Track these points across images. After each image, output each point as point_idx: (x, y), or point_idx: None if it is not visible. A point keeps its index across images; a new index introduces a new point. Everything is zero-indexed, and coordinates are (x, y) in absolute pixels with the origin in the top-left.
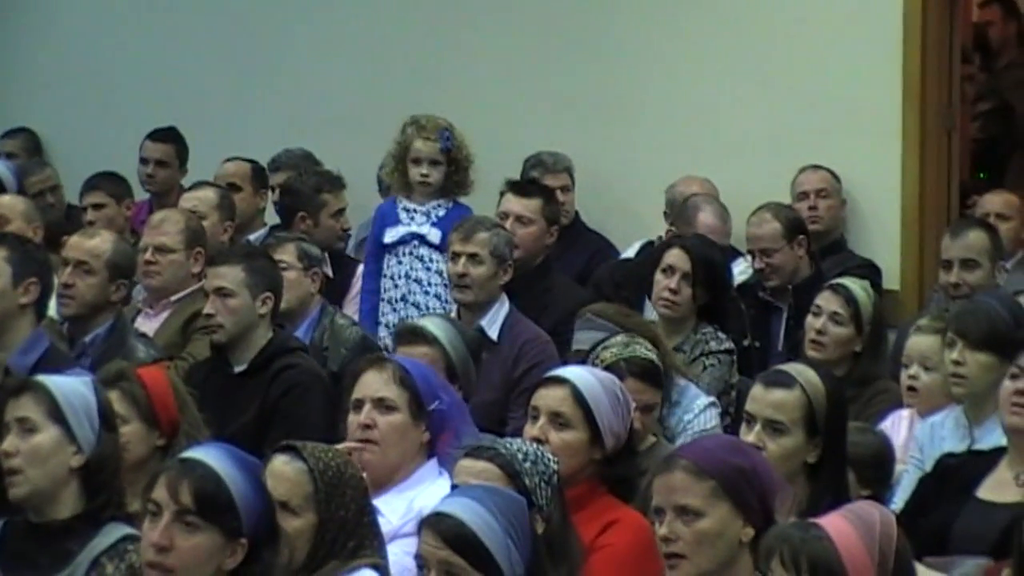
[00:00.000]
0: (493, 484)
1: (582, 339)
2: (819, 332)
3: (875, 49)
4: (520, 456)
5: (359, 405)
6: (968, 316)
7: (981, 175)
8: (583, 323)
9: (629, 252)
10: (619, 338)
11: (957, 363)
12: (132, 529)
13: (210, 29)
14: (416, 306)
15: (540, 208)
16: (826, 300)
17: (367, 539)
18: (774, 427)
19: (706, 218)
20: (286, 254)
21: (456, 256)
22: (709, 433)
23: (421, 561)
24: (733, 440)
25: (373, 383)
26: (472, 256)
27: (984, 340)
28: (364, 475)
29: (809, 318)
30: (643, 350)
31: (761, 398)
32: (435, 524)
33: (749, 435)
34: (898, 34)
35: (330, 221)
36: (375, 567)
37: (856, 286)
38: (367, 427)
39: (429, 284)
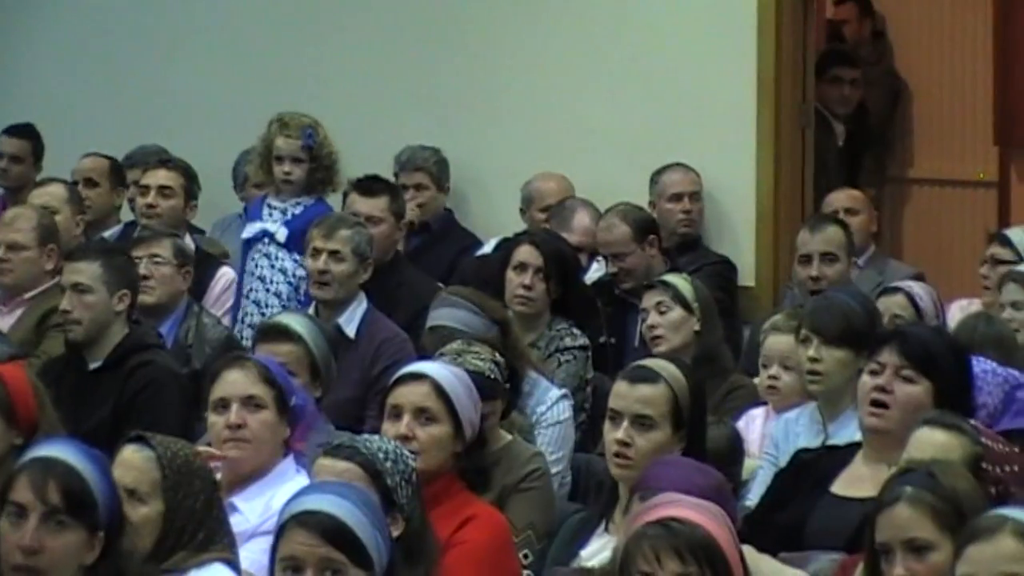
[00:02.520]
0: (355, 484)
1: (437, 316)
2: (652, 327)
3: (730, 47)
4: (381, 455)
5: (224, 405)
6: (823, 312)
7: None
8: (439, 301)
9: (486, 248)
10: (453, 346)
11: (814, 360)
12: None
13: (68, 25)
14: (257, 303)
15: (387, 206)
16: (647, 299)
17: (217, 533)
18: (642, 422)
19: (582, 220)
20: (162, 249)
21: (317, 252)
22: (563, 424)
23: (293, 562)
24: (719, 478)
25: (239, 382)
26: (334, 253)
27: (840, 336)
28: (219, 474)
29: (641, 325)
30: (474, 360)
31: (627, 394)
32: (307, 521)
33: (616, 432)
34: (752, 32)
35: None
36: (227, 562)
37: (668, 275)
38: (238, 427)
39: (271, 282)
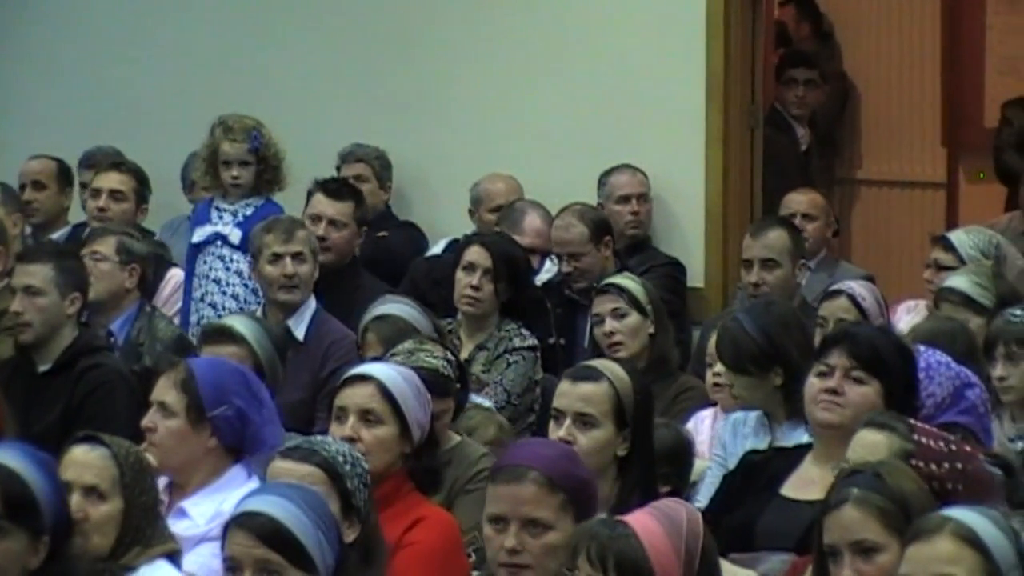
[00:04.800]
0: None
1: (385, 308)
2: (609, 334)
3: (679, 48)
4: (340, 458)
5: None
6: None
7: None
8: (385, 298)
9: (436, 249)
10: (406, 345)
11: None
12: None
13: (16, 25)
14: (213, 306)
15: (352, 211)
16: (600, 304)
17: (159, 528)
18: (584, 420)
19: (532, 222)
20: (103, 246)
21: (278, 257)
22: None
23: (231, 563)
24: (568, 449)
25: (160, 386)
26: (297, 255)
27: (736, 364)
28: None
29: (596, 331)
30: (428, 358)
31: (569, 392)
32: (245, 523)
33: (559, 430)
34: (701, 33)
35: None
36: (172, 555)
37: (618, 278)
38: (149, 430)
39: (227, 284)
